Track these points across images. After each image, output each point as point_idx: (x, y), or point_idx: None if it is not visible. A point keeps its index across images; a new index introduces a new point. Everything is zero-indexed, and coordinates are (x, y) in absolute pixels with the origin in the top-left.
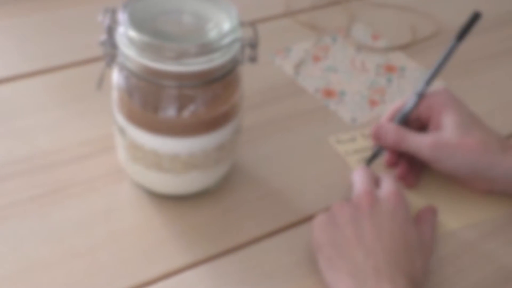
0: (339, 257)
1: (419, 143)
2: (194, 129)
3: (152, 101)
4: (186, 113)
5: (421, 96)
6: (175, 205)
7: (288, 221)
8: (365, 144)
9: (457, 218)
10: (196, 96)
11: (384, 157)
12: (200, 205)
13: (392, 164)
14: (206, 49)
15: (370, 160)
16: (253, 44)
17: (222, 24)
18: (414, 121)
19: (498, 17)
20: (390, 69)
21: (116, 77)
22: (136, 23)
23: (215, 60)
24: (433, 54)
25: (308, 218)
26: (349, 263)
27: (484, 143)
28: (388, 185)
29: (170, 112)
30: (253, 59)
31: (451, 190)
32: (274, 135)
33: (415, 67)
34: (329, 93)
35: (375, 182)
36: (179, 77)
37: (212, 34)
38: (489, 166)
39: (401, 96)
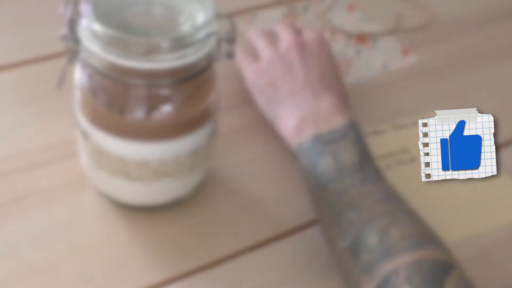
0: (278, 92)
1: None
2: (165, 132)
3: (118, 102)
4: (156, 115)
5: None
6: (144, 217)
7: (270, 234)
8: None
9: (464, 227)
10: (167, 96)
11: None
12: (172, 217)
13: None
14: (179, 44)
15: None
16: (230, 39)
17: (196, 16)
18: None
19: (501, 9)
20: (361, 40)
21: (78, 75)
22: (101, 15)
23: (188, 56)
24: (424, 45)
25: (292, 231)
26: (287, 91)
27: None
28: (311, 31)
29: (138, 114)
30: (230, 55)
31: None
32: (255, 139)
33: (390, 40)
34: None
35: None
36: (149, 75)
37: (185, 27)
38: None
39: (368, 69)
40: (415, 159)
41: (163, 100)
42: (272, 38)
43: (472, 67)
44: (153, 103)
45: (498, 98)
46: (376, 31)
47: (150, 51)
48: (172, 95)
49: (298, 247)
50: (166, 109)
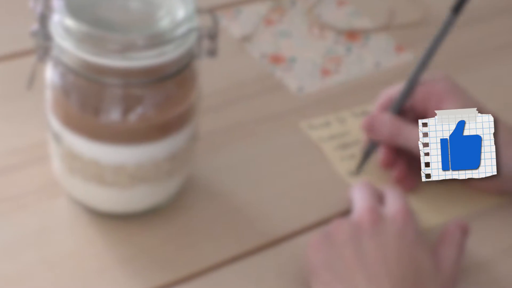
0: (337, 281)
1: (417, 136)
2: (142, 135)
3: (92, 102)
4: (133, 117)
5: (415, 83)
6: (120, 225)
7: (254, 244)
8: (342, 129)
9: None
10: (144, 97)
11: (379, 157)
12: (150, 225)
13: (388, 165)
14: (157, 40)
15: (363, 161)
16: (212, 35)
17: (176, 11)
18: (408, 112)
19: (502, 2)
20: (351, 36)
21: (50, 74)
22: (74, 9)
23: (167, 54)
24: (419, 42)
25: (279, 241)
26: (338, 280)
27: None
28: (394, 201)
29: (114, 115)
30: (212, 53)
31: (456, 191)
32: (238, 142)
33: (382, 36)
34: (277, 59)
35: (379, 198)
36: (125, 74)
37: (164, 22)
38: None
39: (360, 68)
40: None
41: (140, 100)
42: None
43: (470, 65)
44: (129, 104)
45: (498, 98)
46: (368, 27)
47: (126, 48)
48: (150, 95)
49: (284, 258)
50: (144, 110)
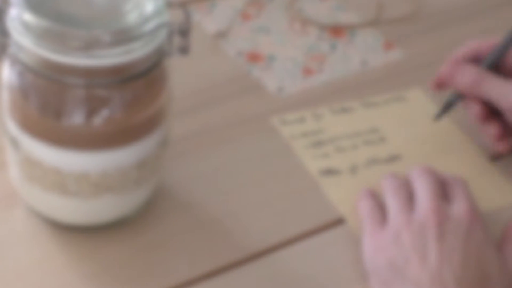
0: (399, 282)
1: (501, 87)
2: (107, 140)
3: (53, 104)
4: (98, 120)
5: None
6: (83, 238)
7: (230, 259)
8: (317, 126)
9: None
10: (110, 98)
11: (471, 109)
12: (116, 239)
13: (483, 119)
14: (123, 36)
15: (442, 112)
16: (184, 31)
17: (144, 5)
18: (506, 68)
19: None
20: (336, 32)
21: (7, 73)
22: (34, 3)
23: (135, 51)
24: (410, 39)
25: (256, 256)
26: (412, 283)
27: None
28: (461, 199)
29: (76, 118)
30: (184, 50)
31: None
32: (213, 147)
33: (369, 32)
34: (254, 57)
35: (442, 189)
36: (88, 73)
37: (131, 17)
38: None
39: (345, 66)
40: (384, 139)
41: (106, 102)
42: (409, 194)
43: None
44: (93, 106)
45: None
46: (354, 22)
47: (90, 45)
48: (116, 97)
49: (262, 274)
50: (109, 113)
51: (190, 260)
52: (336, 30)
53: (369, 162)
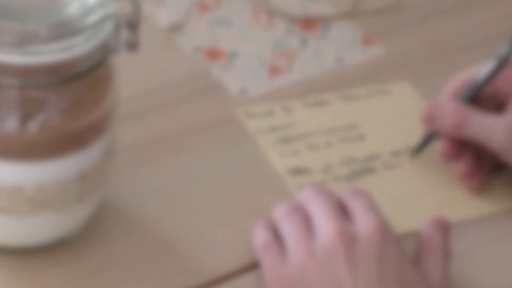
0: None
1: (490, 126)
2: (44, 149)
3: None
4: (33, 126)
5: (504, 62)
6: (17, 261)
7: (186, 285)
8: (287, 120)
9: None
10: (48, 101)
11: (441, 147)
12: (55, 262)
13: (451, 157)
14: (63, 30)
15: (421, 147)
16: (132, 24)
17: None
18: (488, 99)
19: None
20: (307, 25)
21: None
22: None
23: (76, 47)
24: (391, 33)
25: (216, 282)
26: None
27: None
28: (365, 213)
29: (9, 123)
30: (132, 46)
31: None
32: (166, 157)
33: (345, 25)
34: (213, 54)
35: (341, 208)
36: (23, 72)
37: (72, 8)
38: None
39: (318, 64)
40: (364, 137)
41: (42, 106)
42: (305, 219)
43: (450, 60)
44: (28, 110)
45: None
46: (328, 14)
47: (25, 40)
48: (55, 99)
49: None
50: (46, 117)
51: (138, 286)
52: (308, 23)
53: (345, 162)
